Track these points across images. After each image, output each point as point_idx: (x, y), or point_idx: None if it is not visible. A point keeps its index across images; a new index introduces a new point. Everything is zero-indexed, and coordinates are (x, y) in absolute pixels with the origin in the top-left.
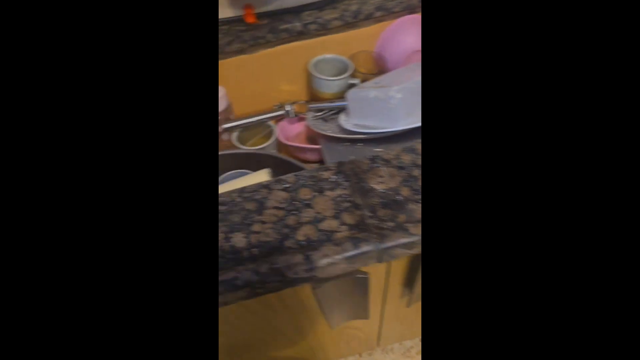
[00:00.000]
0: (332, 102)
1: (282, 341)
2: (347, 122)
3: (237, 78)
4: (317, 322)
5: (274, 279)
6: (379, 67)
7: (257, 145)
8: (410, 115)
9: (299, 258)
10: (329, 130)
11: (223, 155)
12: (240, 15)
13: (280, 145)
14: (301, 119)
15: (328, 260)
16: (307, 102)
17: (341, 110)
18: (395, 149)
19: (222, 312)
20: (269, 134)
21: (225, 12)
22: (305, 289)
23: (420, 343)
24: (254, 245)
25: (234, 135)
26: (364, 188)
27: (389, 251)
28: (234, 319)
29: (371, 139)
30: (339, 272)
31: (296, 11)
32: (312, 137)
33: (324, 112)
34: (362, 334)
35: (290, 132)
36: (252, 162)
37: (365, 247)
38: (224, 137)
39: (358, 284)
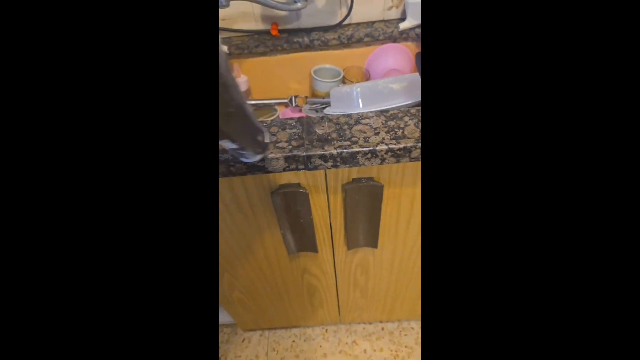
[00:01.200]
0: (323, 99)
1: (252, 262)
2: (329, 110)
3: (258, 72)
4: (279, 249)
5: (240, 163)
6: (365, 79)
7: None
8: (366, 105)
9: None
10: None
11: None
12: (268, 29)
13: None
14: (300, 111)
15: (273, 156)
16: (307, 97)
17: (327, 105)
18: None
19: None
20: (273, 114)
21: (258, 25)
22: (268, 201)
23: (381, 330)
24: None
25: None
26: (310, 130)
27: (311, 159)
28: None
29: None
30: (281, 166)
31: (307, 31)
32: None
33: (316, 105)
34: (321, 287)
35: (290, 117)
36: None
37: (296, 152)
38: None
39: (303, 200)
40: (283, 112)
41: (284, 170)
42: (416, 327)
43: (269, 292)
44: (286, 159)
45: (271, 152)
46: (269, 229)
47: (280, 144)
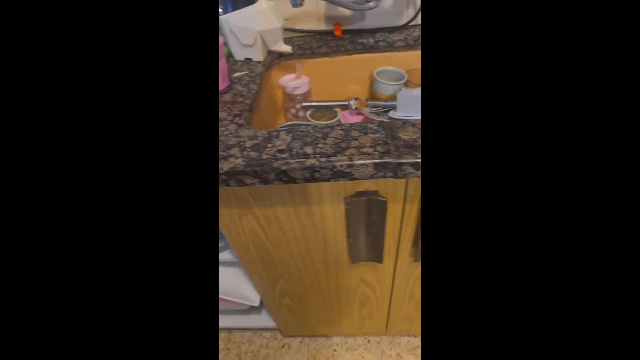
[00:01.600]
0: (386, 102)
1: (309, 269)
2: (394, 114)
3: (320, 73)
4: (341, 257)
5: (326, 167)
6: None
7: (323, 122)
8: None
9: (344, 159)
10: (380, 119)
11: (296, 124)
12: (331, 29)
13: None
14: (359, 114)
15: (362, 162)
16: (367, 99)
17: (391, 108)
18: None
19: (277, 213)
20: (334, 116)
21: (320, 25)
22: (341, 209)
23: None
24: (317, 152)
25: (308, 112)
26: (394, 135)
27: (401, 167)
28: (283, 221)
29: None
30: (369, 173)
31: (372, 31)
32: None
33: (378, 108)
34: (374, 298)
35: (350, 120)
36: None
37: (387, 159)
38: (300, 113)
39: (379, 206)
40: (343, 115)
41: (371, 177)
42: None
43: (320, 299)
44: (375, 166)
45: (359, 158)
46: (334, 237)
47: (364, 149)
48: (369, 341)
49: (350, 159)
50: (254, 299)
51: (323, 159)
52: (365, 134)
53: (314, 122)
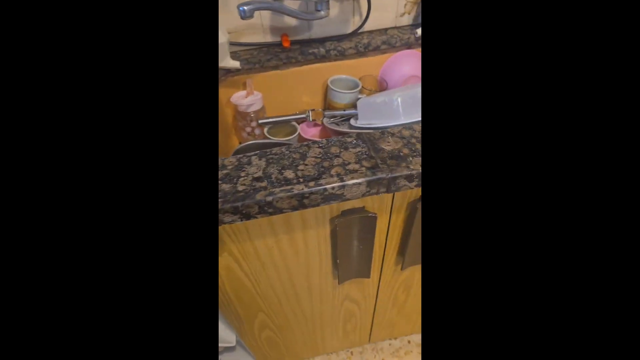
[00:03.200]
0: (343, 111)
1: (291, 298)
2: (356, 122)
3: (271, 87)
4: (325, 279)
5: (317, 191)
6: (381, 88)
7: (283, 138)
8: (407, 115)
9: (334, 180)
10: (341, 129)
11: (257, 143)
12: (277, 41)
13: (301, 140)
14: (316, 125)
15: (355, 181)
16: (323, 110)
17: (350, 117)
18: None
19: (259, 245)
20: (293, 131)
21: (267, 37)
22: (326, 232)
23: (407, 344)
24: (300, 176)
25: (266, 129)
26: (376, 147)
27: (395, 181)
28: (263, 254)
29: None
30: (361, 192)
31: (320, 41)
32: (328, 136)
33: (336, 117)
34: (359, 312)
35: (309, 133)
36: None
37: (380, 174)
38: (256, 131)
39: (368, 223)
40: (302, 129)
41: (363, 195)
42: None
43: (303, 325)
44: (369, 183)
45: (350, 177)
46: (319, 260)
47: (350, 166)
48: (352, 353)
49: (342, 179)
50: (230, 338)
51: (311, 183)
52: (346, 149)
53: (275, 139)
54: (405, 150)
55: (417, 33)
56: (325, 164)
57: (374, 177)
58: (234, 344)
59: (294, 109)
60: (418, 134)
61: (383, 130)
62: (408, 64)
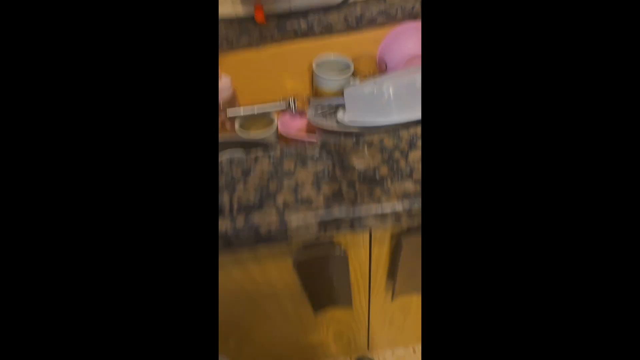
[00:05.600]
0: (332, 100)
1: (267, 325)
2: (344, 117)
3: (244, 70)
4: (302, 307)
5: (245, 234)
6: (380, 70)
7: (257, 133)
8: (403, 111)
9: (272, 216)
10: (327, 125)
11: (224, 142)
12: (251, 15)
13: (280, 138)
14: (302, 115)
15: (300, 222)
16: (309, 98)
17: (340, 107)
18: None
19: None
20: (270, 123)
21: (237, 10)
22: (287, 265)
23: (412, 353)
24: (234, 204)
25: (237, 123)
26: (344, 164)
27: (361, 221)
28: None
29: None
30: (311, 234)
31: (303, 13)
32: (313, 132)
33: (324, 109)
34: (350, 333)
35: (292, 126)
36: (252, 148)
37: (337, 212)
38: (227, 125)
39: (338, 264)
40: (282, 122)
41: (317, 238)
42: None
43: (289, 353)
44: (320, 224)
45: (298, 212)
46: (289, 293)
47: (303, 193)
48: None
49: (281, 216)
50: None
51: (240, 219)
52: (304, 164)
53: (244, 138)
54: (384, 170)
55: None
56: (272, 186)
57: (329, 218)
58: None
59: (275, 97)
60: (405, 145)
61: (358, 140)
62: (412, 40)
